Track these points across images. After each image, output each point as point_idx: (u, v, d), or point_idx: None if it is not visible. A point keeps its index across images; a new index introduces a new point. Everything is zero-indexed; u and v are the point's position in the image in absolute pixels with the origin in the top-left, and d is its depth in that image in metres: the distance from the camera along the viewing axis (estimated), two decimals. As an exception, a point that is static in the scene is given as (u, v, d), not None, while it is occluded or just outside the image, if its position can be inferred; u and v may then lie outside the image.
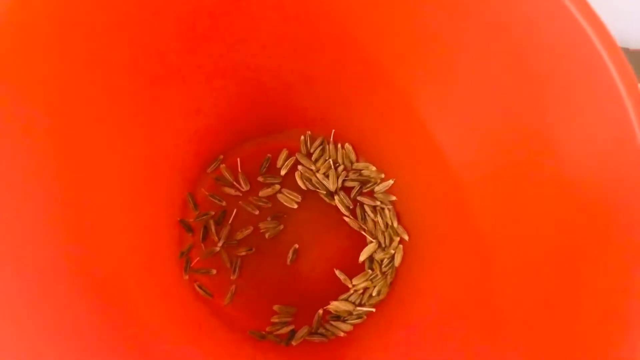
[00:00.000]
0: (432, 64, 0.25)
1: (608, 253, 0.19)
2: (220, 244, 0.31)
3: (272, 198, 0.32)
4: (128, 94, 0.26)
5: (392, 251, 0.31)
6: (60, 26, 0.21)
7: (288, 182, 0.32)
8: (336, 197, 0.31)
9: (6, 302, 0.20)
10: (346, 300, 0.30)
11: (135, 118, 0.27)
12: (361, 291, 0.30)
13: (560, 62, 0.20)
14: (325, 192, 0.31)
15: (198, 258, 0.31)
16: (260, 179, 0.32)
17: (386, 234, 0.31)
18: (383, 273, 0.31)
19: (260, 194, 0.31)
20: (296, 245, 0.31)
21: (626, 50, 0.27)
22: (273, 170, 0.32)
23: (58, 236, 0.24)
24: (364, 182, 0.32)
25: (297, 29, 0.26)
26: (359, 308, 0.30)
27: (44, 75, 0.22)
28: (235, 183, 0.32)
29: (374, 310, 0.30)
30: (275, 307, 0.30)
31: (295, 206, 0.31)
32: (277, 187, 0.32)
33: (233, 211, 0.31)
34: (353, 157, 0.32)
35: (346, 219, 0.31)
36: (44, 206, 0.23)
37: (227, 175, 0.32)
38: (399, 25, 0.24)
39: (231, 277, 0.31)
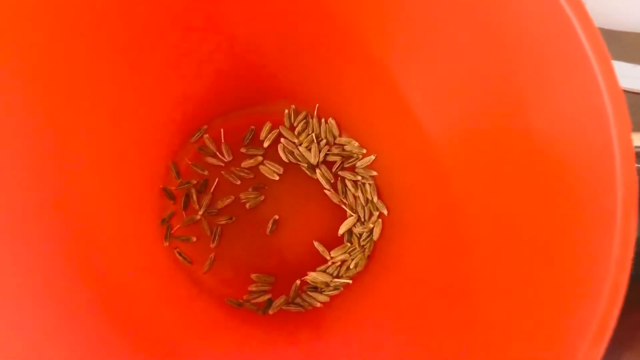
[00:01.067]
0: (411, 38, 0.25)
1: (577, 220, 0.20)
2: (201, 212, 0.31)
3: (254, 169, 0.32)
4: (115, 63, 0.26)
5: (371, 225, 0.31)
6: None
7: (270, 154, 0.32)
8: (318, 171, 0.32)
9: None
10: (324, 271, 0.31)
11: (122, 87, 0.27)
12: (339, 263, 0.31)
13: (534, 35, 0.20)
14: (307, 165, 0.32)
15: (179, 225, 0.31)
16: (243, 150, 0.32)
17: (366, 208, 0.31)
18: (361, 246, 0.31)
19: (243, 164, 0.32)
20: (276, 216, 0.31)
21: (602, 30, 0.27)
22: (256, 142, 0.32)
23: (43, 199, 0.24)
24: (346, 157, 0.32)
25: (283, 3, 0.26)
26: (336, 280, 0.30)
27: (36, 40, 0.22)
28: (218, 153, 0.32)
29: (350, 282, 0.30)
30: (254, 276, 0.31)
31: (277, 178, 0.32)
32: (260, 158, 0.32)
33: (215, 181, 0.32)
34: (336, 132, 0.32)
35: (327, 192, 0.32)
36: (30, 168, 0.23)
37: (210, 145, 0.32)
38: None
39: (211, 245, 0.31)
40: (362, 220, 0.31)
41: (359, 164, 0.32)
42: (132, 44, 0.26)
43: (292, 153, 0.32)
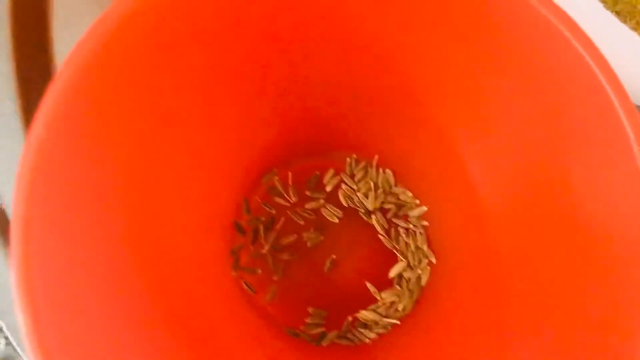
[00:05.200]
0: (473, 107, 0.28)
1: (609, 295, 0.22)
2: (267, 248, 0.34)
3: (317, 211, 0.35)
4: (203, 105, 0.29)
5: (420, 271, 0.34)
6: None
7: (332, 198, 0.35)
8: (373, 217, 0.35)
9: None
10: (374, 310, 0.33)
11: (203, 133, 0.30)
12: (388, 304, 0.34)
13: (583, 121, 0.23)
14: (364, 211, 0.35)
15: (246, 257, 0.34)
16: (307, 192, 0.35)
17: (416, 255, 0.34)
18: (410, 290, 0.34)
19: (307, 206, 0.35)
20: (334, 256, 0.34)
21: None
22: (319, 186, 0.36)
23: (123, 222, 0.27)
24: (399, 206, 0.35)
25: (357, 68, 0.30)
26: (385, 319, 0.33)
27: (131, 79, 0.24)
28: (285, 194, 0.35)
29: (398, 322, 0.33)
30: (310, 310, 0.34)
31: (336, 220, 0.35)
32: (322, 201, 0.35)
33: (281, 219, 0.35)
34: (392, 182, 0.35)
35: (381, 237, 0.35)
36: (113, 198, 0.26)
37: (279, 186, 0.35)
38: (446, 69, 0.28)
39: (274, 278, 0.34)
40: (412, 265, 0.34)
41: (411, 213, 0.35)
42: (213, 95, 0.29)
43: (351, 199, 0.35)
